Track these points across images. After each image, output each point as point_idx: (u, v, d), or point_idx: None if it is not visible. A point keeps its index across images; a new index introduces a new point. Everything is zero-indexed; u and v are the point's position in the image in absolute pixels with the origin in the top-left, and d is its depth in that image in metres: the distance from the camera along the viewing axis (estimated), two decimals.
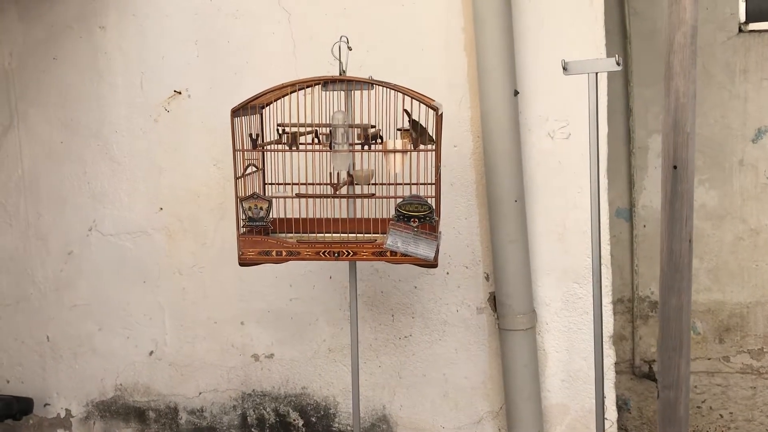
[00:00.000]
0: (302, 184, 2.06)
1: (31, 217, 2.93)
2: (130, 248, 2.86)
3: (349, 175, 2.09)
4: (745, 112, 3.19)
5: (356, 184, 2.07)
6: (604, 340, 2.50)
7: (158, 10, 2.71)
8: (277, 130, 2.07)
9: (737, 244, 3.26)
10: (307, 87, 1.92)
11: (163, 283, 2.84)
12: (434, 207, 1.88)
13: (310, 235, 2.00)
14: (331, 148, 1.91)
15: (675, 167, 1.49)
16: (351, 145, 1.96)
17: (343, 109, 2.00)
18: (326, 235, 1.98)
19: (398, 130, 2.04)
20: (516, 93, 2.37)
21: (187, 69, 2.71)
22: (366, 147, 1.90)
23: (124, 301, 2.89)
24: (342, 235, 1.95)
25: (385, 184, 2.10)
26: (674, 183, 1.51)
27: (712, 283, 3.37)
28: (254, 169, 2.08)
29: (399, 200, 1.88)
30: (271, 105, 2.11)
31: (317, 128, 2.07)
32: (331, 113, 2.05)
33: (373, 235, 2.01)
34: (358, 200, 2.05)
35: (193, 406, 2.88)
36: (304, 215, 2.03)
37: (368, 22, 2.56)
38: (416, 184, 2.04)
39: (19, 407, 2.79)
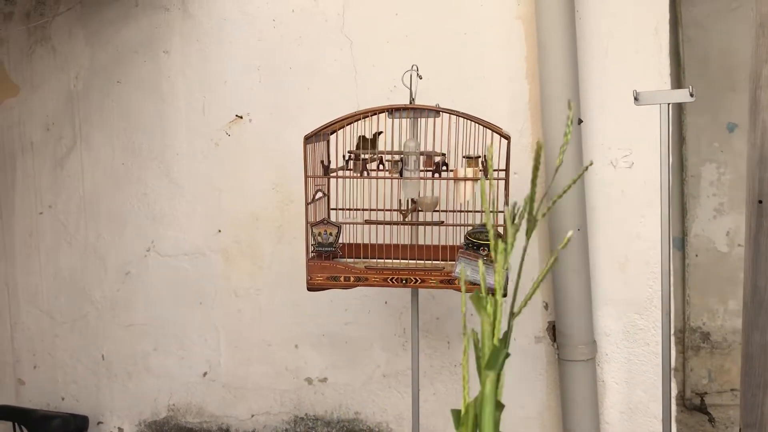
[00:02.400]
0: (368, 209, 2.07)
1: (90, 237, 2.98)
2: (187, 269, 2.89)
3: (413, 201, 2.10)
4: None
5: (421, 211, 2.07)
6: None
7: (222, 36, 2.76)
8: (343, 156, 2.09)
9: None
10: (379, 114, 1.93)
11: (219, 304, 2.87)
12: (504, 236, 1.87)
13: (378, 261, 2.00)
14: (401, 176, 1.92)
15: (760, 202, 1.47)
16: (421, 172, 1.96)
17: (409, 136, 2.01)
18: (393, 261, 1.98)
19: (464, 157, 2.04)
20: (580, 122, 2.37)
21: (249, 94, 2.75)
22: (437, 174, 1.91)
23: (180, 321, 2.91)
24: (409, 262, 1.95)
25: (450, 211, 2.10)
26: (759, 218, 1.48)
27: None
28: (321, 194, 2.09)
29: (469, 228, 1.88)
30: (337, 132, 2.13)
31: (382, 155, 2.08)
32: (397, 141, 2.06)
33: (441, 262, 2.01)
34: (425, 228, 2.05)
35: (245, 428, 2.89)
36: (370, 241, 2.04)
37: (429, 50, 2.58)
38: (482, 211, 2.04)
39: (76, 424, 2.82)
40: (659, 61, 2.40)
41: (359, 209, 2.07)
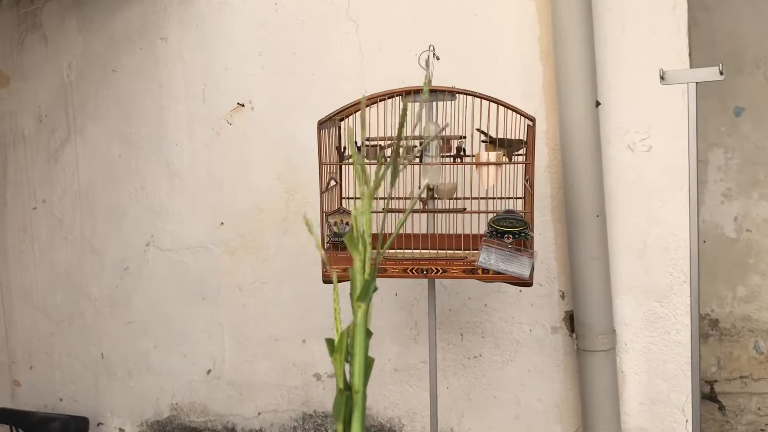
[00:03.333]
0: (383, 197, 1.98)
1: (87, 232, 2.88)
2: (188, 264, 2.79)
3: (429, 189, 2.02)
4: None
5: (437, 198, 1.98)
6: (686, 361, 2.40)
7: (222, 21, 2.65)
8: (355, 143, 2.00)
9: None
10: (396, 97, 1.84)
11: (223, 299, 2.77)
12: (529, 222, 1.79)
13: (396, 251, 1.91)
14: (420, 161, 1.83)
15: None
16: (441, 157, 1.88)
17: (427, 120, 1.92)
18: (413, 251, 1.90)
19: (482, 142, 1.96)
20: (598, 104, 2.29)
21: (251, 81, 2.65)
22: (458, 160, 1.82)
23: (182, 318, 2.82)
24: (430, 251, 1.87)
25: (469, 198, 2.02)
26: None
27: None
28: (334, 183, 2.01)
29: (492, 215, 1.80)
30: (347, 118, 2.04)
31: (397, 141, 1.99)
32: (410, 126, 1.98)
33: (462, 251, 1.93)
34: (442, 216, 1.97)
35: (251, 426, 2.80)
36: (388, 231, 1.95)
37: (439, 33, 2.49)
38: (502, 198, 1.96)
39: (75, 426, 2.72)
40: (678, 41, 2.33)
41: (376, 198, 1.98)
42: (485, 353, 2.58)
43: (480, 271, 1.81)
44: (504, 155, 1.80)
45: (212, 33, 2.67)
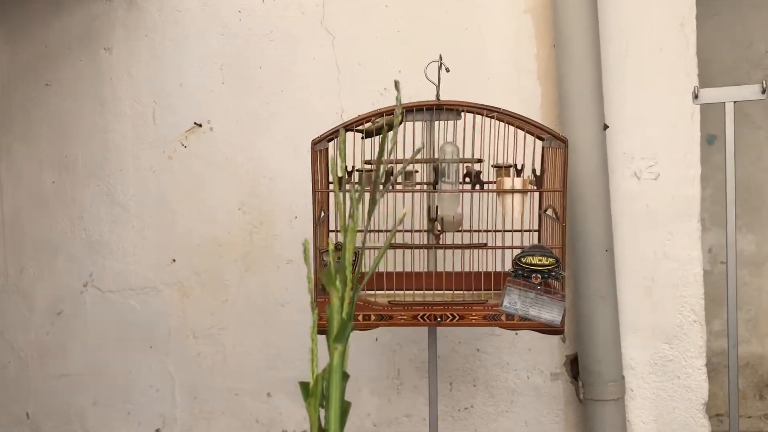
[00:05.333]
0: (375, 230, 1.70)
1: (11, 271, 2.47)
2: (134, 307, 2.42)
3: (432, 220, 1.75)
4: None
5: (439, 232, 1.71)
6: (697, 408, 2.19)
7: (176, 30, 2.33)
8: (345, 168, 1.72)
9: None
10: (415, 112, 1.57)
11: (174, 348, 2.41)
12: (561, 259, 1.54)
13: (405, 293, 1.62)
14: (434, 188, 1.56)
15: None
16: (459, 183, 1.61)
17: (436, 141, 1.66)
18: (425, 293, 1.61)
19: (493, 167, 1.71)
20: (605, 127, 2.08)
21: (210, 98, 2.34)
22: (478, 186, 1.56)
23: (126, 369, 2.44)
24: (441, 293, 1.59)
25: (476, 231, 1.76)
26: None
27: (750, 335, 3.12)
28: (323, 213, 1.71)
29: (517, 251, 1.54)
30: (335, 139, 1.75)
31: (394, 166, 1.72)
32: (409, 147, 1.71)
33: (477, 292, 1.65)
34: (448, 252, 1.70)
35: None
36: (387, 269, 1.66)
37: (425, 48, 2.24)
38: (515, 231, 1.71)
39: None
40: (685, 59, 2.15)
41: (372, 231, 1.70)
42: (477, 404, 2.30)
43: (503, 317, 1.54)
44: (531, 182, 1.55)
45: (165, 43, 2.35)
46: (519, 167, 1.69)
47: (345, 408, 0.72)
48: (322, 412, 0.72)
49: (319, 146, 1.56)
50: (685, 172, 2.18)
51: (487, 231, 1.74)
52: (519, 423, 2.29)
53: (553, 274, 1.53)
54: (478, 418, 2.31)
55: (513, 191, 1.53)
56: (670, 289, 2.20)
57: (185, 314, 2.41)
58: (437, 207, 1.75)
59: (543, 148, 1.75)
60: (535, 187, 1.56)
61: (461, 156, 1.56)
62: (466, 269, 1.67)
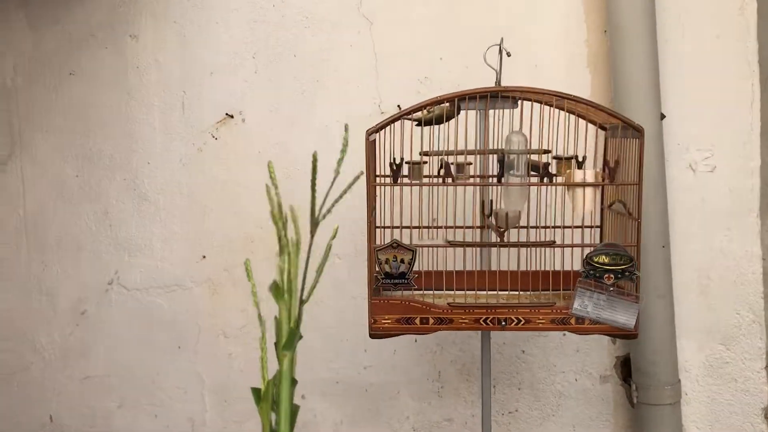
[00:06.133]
0: (423, 227, 1.60)
1: (34, 269, 2.37)
2: (162, 306, 2.32)
3: (486, 215, 1.64)
4: None
5: (503, 230, 1.60)
6: (756, 413, 2.09)
7: (207, 16, 2.23)
8: (392, 161, 1.62)
9: None
10: (469, 100, 1.47)
11: (204, 348, 2.31)
12: (636, 258, 1.44)
13: (465, 293, 1.52)
14: (499, 181, 1.45)
15: None
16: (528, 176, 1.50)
17: (510, 130, 1.55)
18: (487, 293, 1.51)
19: (554, 158, 1.60)
20: (662, 117, 1.97)
21: (242, 88, 2.23)
22: (546, 180, 1.45)
23: (153, 370, 2.34)
24: (508, 293, 1.49)
25: (534, 227, 1.65)
26: None
27: None
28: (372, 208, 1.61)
29: (589, 250, 1.44)
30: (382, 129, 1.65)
31: (448, 157, 1.62)
32: (462, 138, 1.60)
33: (544, 293, 1.55)
34: (497, 250, 1.59)
35: None
36: (446, 267, 1.56)
37: (467, 34, 2.13)
38: (575, 227, 1.60)
39: None
40: (746, 47, 2.04)
41: (420, 227, 1.59)
42: (522, 408, 2.20)
43: (573, 321, 1.44)
44: (607, 176, 1.44)
45: (194, 30, 2.24)
46: (580, 159, 1.58)
47: (294, 411, 0.78)
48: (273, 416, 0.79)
49: (373, 135, 1.45)
50: (743, 163, 2.07)
51: (546, 227, 1.63)
52: (566, 427, 2.18)
53: (627, 274, 1.42)
54: (523, 423, 2.20)
55: (585, 184, 1.42)
56: (727, 288, 2.09)
57: (216, 313, 2.31)
58: (491, 202, 1.64)
59: (606, 138, 1.64)
60: (608, 181, 1.45)
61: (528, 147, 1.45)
62: (527, 268, 1.56)
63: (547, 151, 1.52)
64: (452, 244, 1.47)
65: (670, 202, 2.06)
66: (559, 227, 1.62)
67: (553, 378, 2.18)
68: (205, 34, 2.24)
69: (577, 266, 1.49)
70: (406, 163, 1.60)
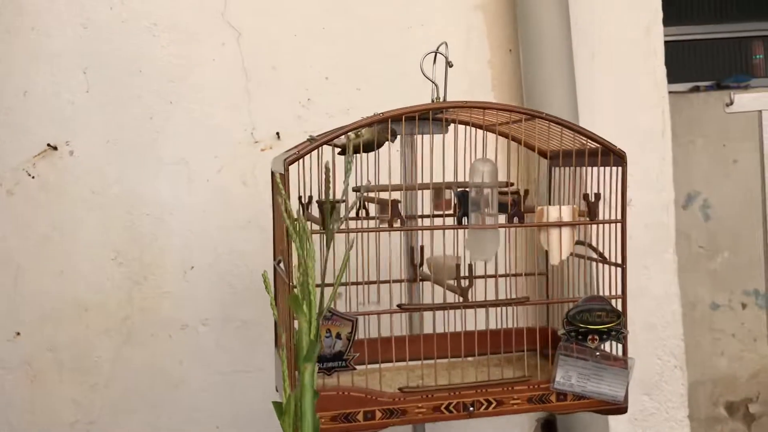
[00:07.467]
0: (363, 283, 1.22)
1: None
2: None
3: (412, 264, 1.31)
4: None
5: (466, 287, 1.24)
6: None
7: (20, 22, 1.71)
8: (308, 198, 1.25)
9: None
10: (409, 118, 1.12)
11: None
12: (623, 313, 1.16)
13: (423, 375, 1.15)
14: (459, 223, 1.11)
15: None
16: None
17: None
18: (441, 361, 1.15)
19: (514, 194, 1.30)
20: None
21: (70, 111, 1.73)
22: (515, 220, 1.13)
23: None
24: (476, 358, 1.14)
25: (482, 277, 1.31)
26: None
27: None
28: (279, 259, 1.22)
29: (570, 306, 1.14)
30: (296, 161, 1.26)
31: (372, 195, 1.27)
32: (384, 171, 1.26)
33: (519, 353, 1.22)
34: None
35: None
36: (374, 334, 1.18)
37: (357, 51, 1.82)
38: (520, 275, 1.31)
39: None
40: (653, 67, 1.90)
41: (349, 284, 1.22)
42: None
43: (554, 398, 1.12)
44: (584, 214, 1.16)
45: (4, 38, 1.71)
46: (516, 191, 1.29)
47: (317, 424, 0.76)
48: None
49: (278, 170, 1.06)
50: (657, 196, 1.91)
51: (493, 276, 1.31)
52: None
53: (614, 333, 1.14)
54: None
55: (561, 224, 1.12)
56: (647, 331, 1.92)
57: (35, 408, 1.75)
58: (421, 248, 1.31)
59: (550, 167, 1.37)
60: (587, 219, 1.17)
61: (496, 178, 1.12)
62: (485, 327, 1.22)
63: (510, 184, 1.21)
64: (404, 309, 1.10)
65: None
66: (509, 275, 1.31)
67: None
68: (17, 42, 1.71)
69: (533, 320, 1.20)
70: (317, 202, 1.22)
